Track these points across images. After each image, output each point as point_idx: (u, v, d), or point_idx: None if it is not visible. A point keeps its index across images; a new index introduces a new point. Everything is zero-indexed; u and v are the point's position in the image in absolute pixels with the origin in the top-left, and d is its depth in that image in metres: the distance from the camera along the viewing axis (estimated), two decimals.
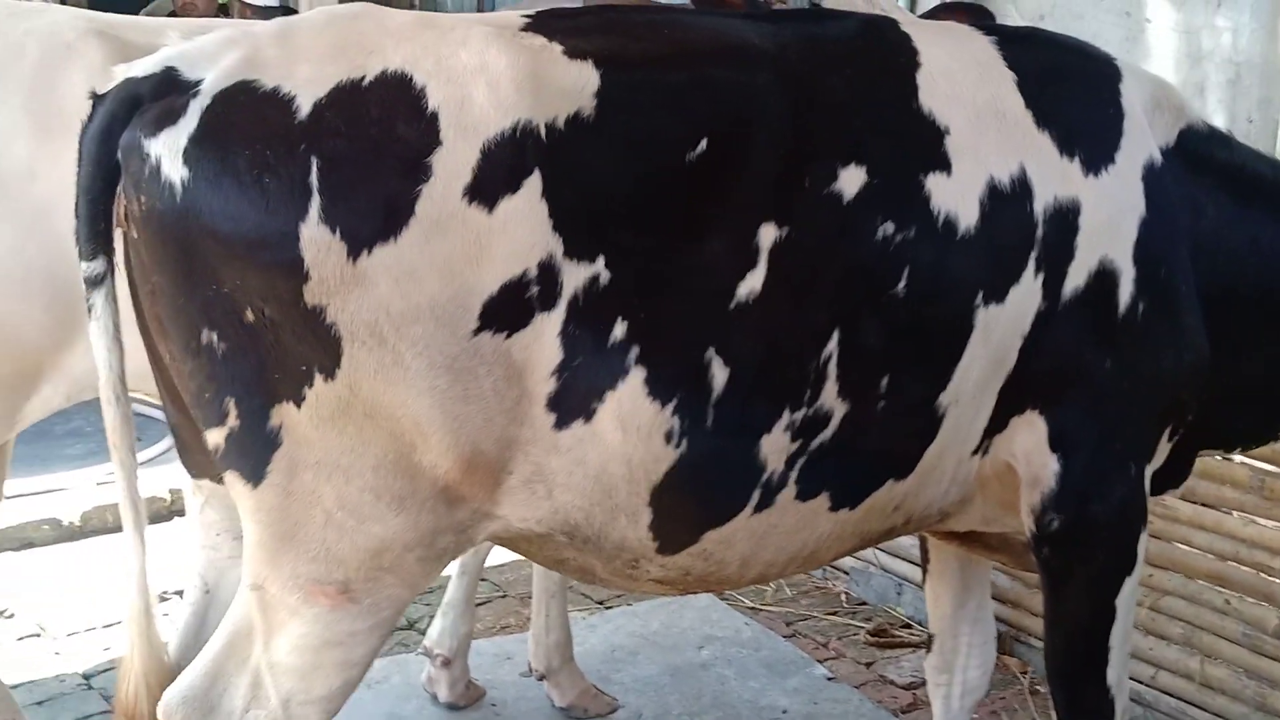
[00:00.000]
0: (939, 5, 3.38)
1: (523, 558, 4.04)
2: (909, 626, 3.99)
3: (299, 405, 1.74)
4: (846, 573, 4.30)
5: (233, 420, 1.76)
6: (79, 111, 1.82)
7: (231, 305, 1.70)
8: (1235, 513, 3.30)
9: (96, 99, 1.77)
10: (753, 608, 4.14)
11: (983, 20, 2.93)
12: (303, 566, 1.81)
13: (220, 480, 1.86)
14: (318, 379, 1.72)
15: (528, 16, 1.94)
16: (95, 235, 1.75)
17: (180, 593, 3.43)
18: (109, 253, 1.76)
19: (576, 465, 1.86)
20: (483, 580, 4.15)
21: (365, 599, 1.85)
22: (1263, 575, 3.22)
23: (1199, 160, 2.34)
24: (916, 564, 3.99)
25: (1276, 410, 2.55)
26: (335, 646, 1.86)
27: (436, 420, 1.76)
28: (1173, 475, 2.57)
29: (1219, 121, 2.58)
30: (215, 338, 1.72)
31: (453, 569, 3.48)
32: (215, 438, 1.79)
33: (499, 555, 4.06)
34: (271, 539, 1.82)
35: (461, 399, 1.77)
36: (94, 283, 1.76)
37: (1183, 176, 2.30)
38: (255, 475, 1.78)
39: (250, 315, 1.70)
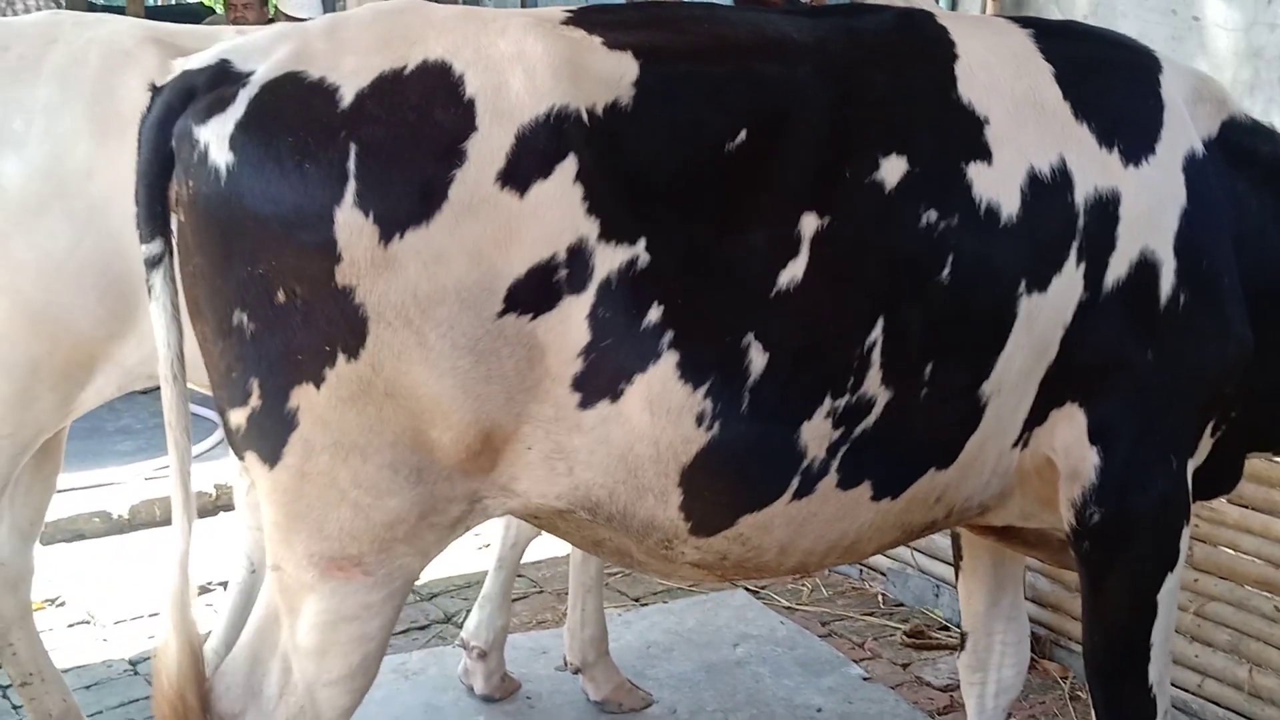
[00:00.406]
0: None
1: (559, 554, 4.11)
2: (946, 628, 3.95)
3: (319, 386, 1.77)
4: (884, 574, 4.28)
5: (254, 400, 1.80)
6: (135, 115, 1.89)
7: (264, 286, 1.75)
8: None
9: (155, 91, 1.84)
10: (789, 607, 4.13)
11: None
12: (316, 545, 1.85)
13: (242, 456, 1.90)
14: (340, 359, 1.76)
15: (569, 11, 1.98)
16: (153, 218, 1.81)
17: (224, 584, 3.50)
18: (166, 236, 1.82)
19: (600, 444, 1.88)
20: (520, 576, 4.18)
21: (379, 570, 1.88)
22: None
23: (1242, 153, 2.32)
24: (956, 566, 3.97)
25: None
26: (351, 621, 1.89)
27: (458, 399, 1.79)
28: (1224, 478, 2.54)
29: (1271, 120, 2.54)
30: (246, 318, 1.76)
31: (490, 563, 3.50)
32: (237, 418, 1.83)
33: (536, 551, 4.10)
34: (285, 519, 1.85)
35: (484, 379, 1.80)
36: (153, 263, 1.82)
37: (1225, 169, 2.28)
38: (272, 456, 1.82)
39: (282, 296, 1.74)
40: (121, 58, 2.64)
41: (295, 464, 1.81)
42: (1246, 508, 3.27)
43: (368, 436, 1.80)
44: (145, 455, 5.18)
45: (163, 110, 1.81)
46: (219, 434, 4.82)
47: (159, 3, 13.72)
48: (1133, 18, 6.31)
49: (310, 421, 1.79)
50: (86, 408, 2.72)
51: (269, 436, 1.81)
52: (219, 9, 7.49)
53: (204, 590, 4.00)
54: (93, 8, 8.51)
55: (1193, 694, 3.32)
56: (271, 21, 7.13)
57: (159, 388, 1.94)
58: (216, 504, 4.83)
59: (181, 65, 1.85)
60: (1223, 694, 3.27)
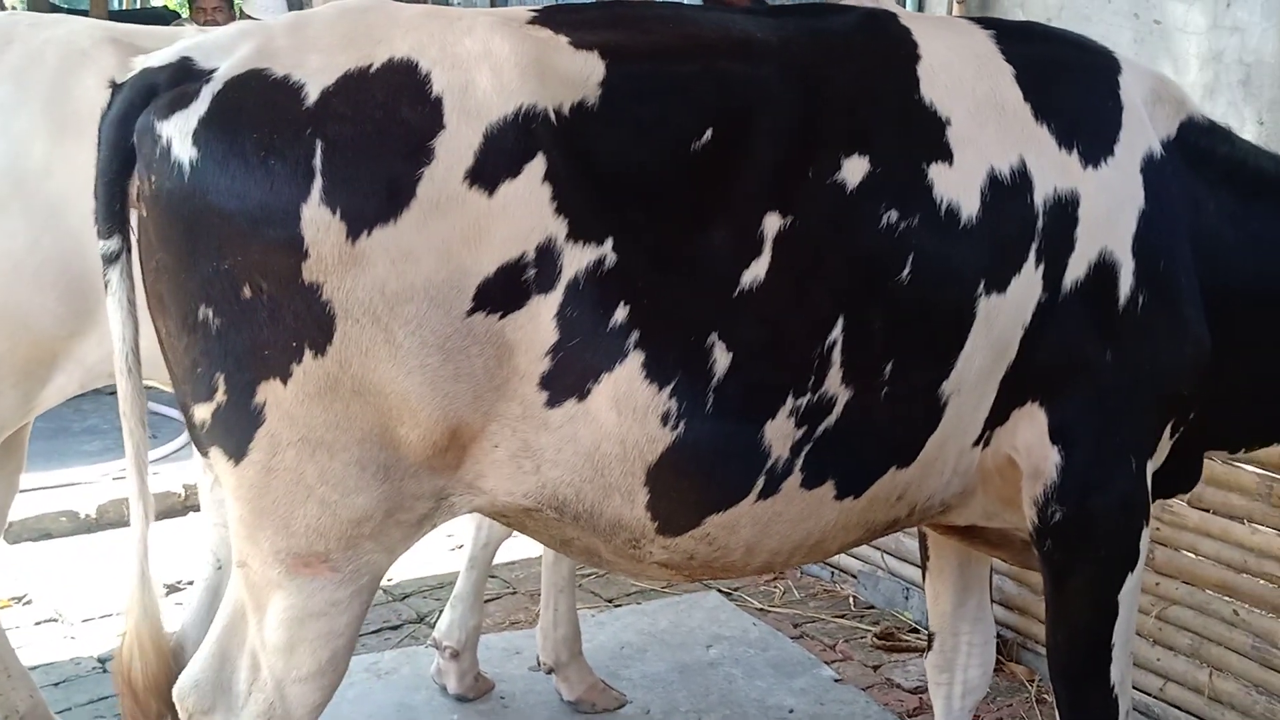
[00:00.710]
0: None
1: (532, 555, 4.12)
2: (916, 630, 4.00)
3: (285, 382, 1.77)
4: (854, 576, 4.32)
5: (220, 396, 1.79)
6: (93, 114, 1.88)
7: (230, 281, 1.74)
8: (1244, 520, 3.30)
9: (115, 88, 1.83)
10: (761, 609, 4.16)
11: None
12: (283, 541, 1.84)
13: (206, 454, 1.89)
14: (307, 355, 1.76)
15: (534, 11, 1.99)
16: (112, 215, 1.81)
17: (193, 583, 3.49)
18: (125, 232, 1.82)
19: (567, 442, 1.89)
20: (493, 577, 4.19)
21: (346, 566, 1.88)
22: (1272, 585, 3.21)
23: (1200, 154, 2.35)
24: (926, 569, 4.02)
25: None
26: (318, 617, 1.89)
27: (426, 397, 1.80)
28: (1183, 477, 2.58)
29: (1230, 123, 2.59)
30: (211, 313, 1.76)
31: (462, 563, 3.51)
32: (202, 413, 1.82)
33: (509, 552, 4.12)
34: (252, 515, 1.85)
35: (452, 377, 1.80)
36: (110, 259, 1.82)
37: (1183, 170, 2.31)
38: (238, 452, 1.81)
39: (248, 291, 1.74)
40: (78, 57, 2.64)
41: (261, 459, 1.81)
42: (1207, 511, 3.32)
43: (335, 433, 1.80)
44: (112, 455, 5.15)
45: (123, 107, 1.80)
46: (186, 434, 4.80)
47: (123, 6, 13.58)
48: (1096, 21, 6.39)
49: (277, 417, 1.79)
50: (48, 405, 2.72)
51: (234, 432, 1.81)
52: (184, 13, 7.43)
53: (173, 589, 3.98)
54: (55, 10, 8.44)
55: (1155, 698, 3.37)
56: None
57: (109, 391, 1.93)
58: (185, 504, 4.82)
59: (142, 62, 1.84)
60: (1184, 698, 3.32)
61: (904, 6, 7.02)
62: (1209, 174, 2.35)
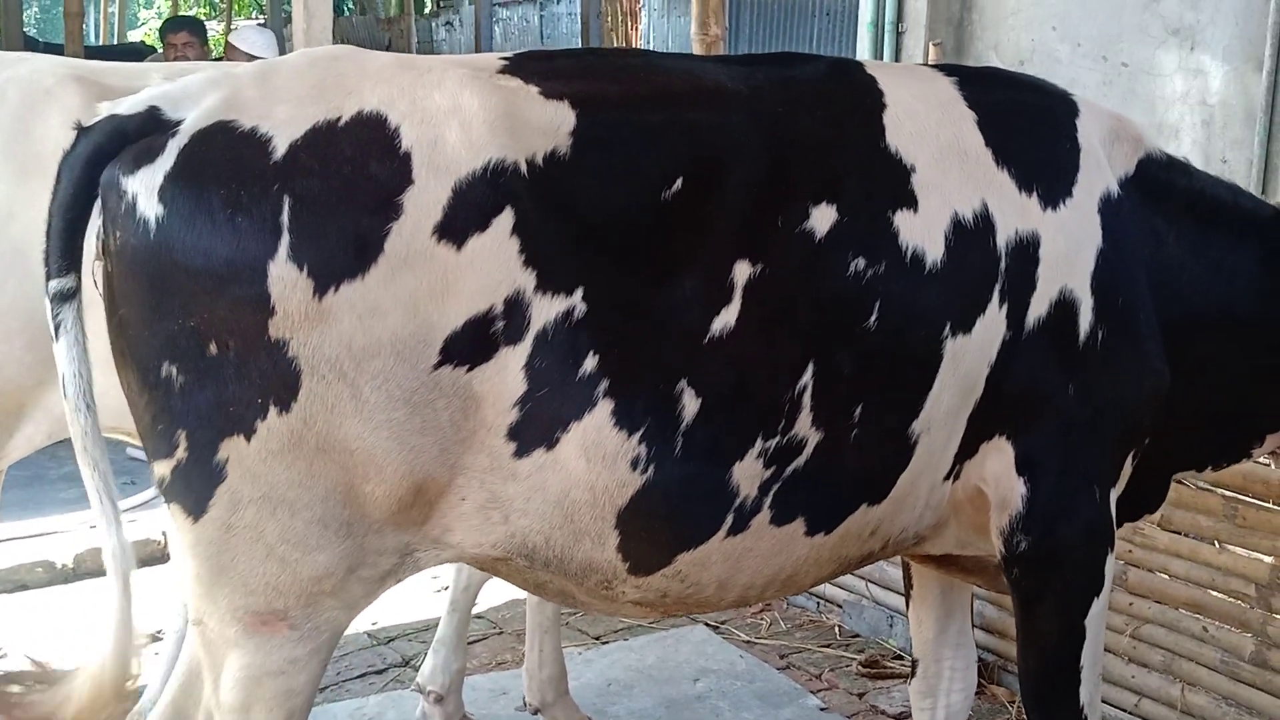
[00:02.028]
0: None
1: (518, 595, 4.15)
2: (900, 657, 4.04)
3: (249, 439, 1.76)
4: (840, 606, 4.37)
5: (181, 453, 1.78)
6: (56, 155, 1.83)
7: (195, 339, 1.73)
8: (1211, 541, 3.38)
9: (81, 130, 1.80)
10: (748, 641, 4.20)
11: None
12: (240, 599, 1.83)
13: None
14: (272, 412, 1.75)
15: (505, 59, 2.00)
16: (71, 252, 1.77)
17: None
18: (79, 271, 1.78)
19: (535, 491, 1.89)
20: (479, 617, 4.22)
21: (305, 624, 1.86)
22: (1238, 602, 3.29)
23: (1159, 188, 2.41)
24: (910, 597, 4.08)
25: (1247, 430, 2.62)
26: (275, 676, 1.87)
27: (392, 451, 1.79)
28: (1149, 499, 2.63)
29: (1194, 161, 2.68)
30: (175, 370, 1.75)
31: (443, 607, 3.53)
32: (161, 470, 1.81)
33: (495, 593, 4.15)
34: (209, 573, 1.83)
35: (418, 431, 1.80)
36: (65, 298, 1.77)
37: (1142, 205, 2.36)
38: (197, 509, 1.79)
39: (213, 348, 1.73)
40: (41, 96, 2.57)
41: (221, 517, 1.79)
42: (1177, 533, 3.40)
43: (297, 491, 1.79)
44: (89, 504, 5.06)
45: (91, 150, 1.77)
46: None
47: (100, 41, 13.62)
48: (1067, 63, 6.59)
49: (239, 474, 1.77)
50: (16, 456, 2.67)
51: (194, 489, 1.79)
52: (160, 48, 7.48)
53: (155, 639, 3.98)
54: (32, 46, 8.41)
55: (1130, 713, 3.43)
56: (219, 59, 7.15)
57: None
58: (165, 551, 4.73)
59: (109, 109, 1.82)
60: (1157, 713, 3.38)
61: (883, 49, 7.22)
62: (1168, 207, 2.41)
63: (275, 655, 1.86)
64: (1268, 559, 3.29)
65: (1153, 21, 6.26)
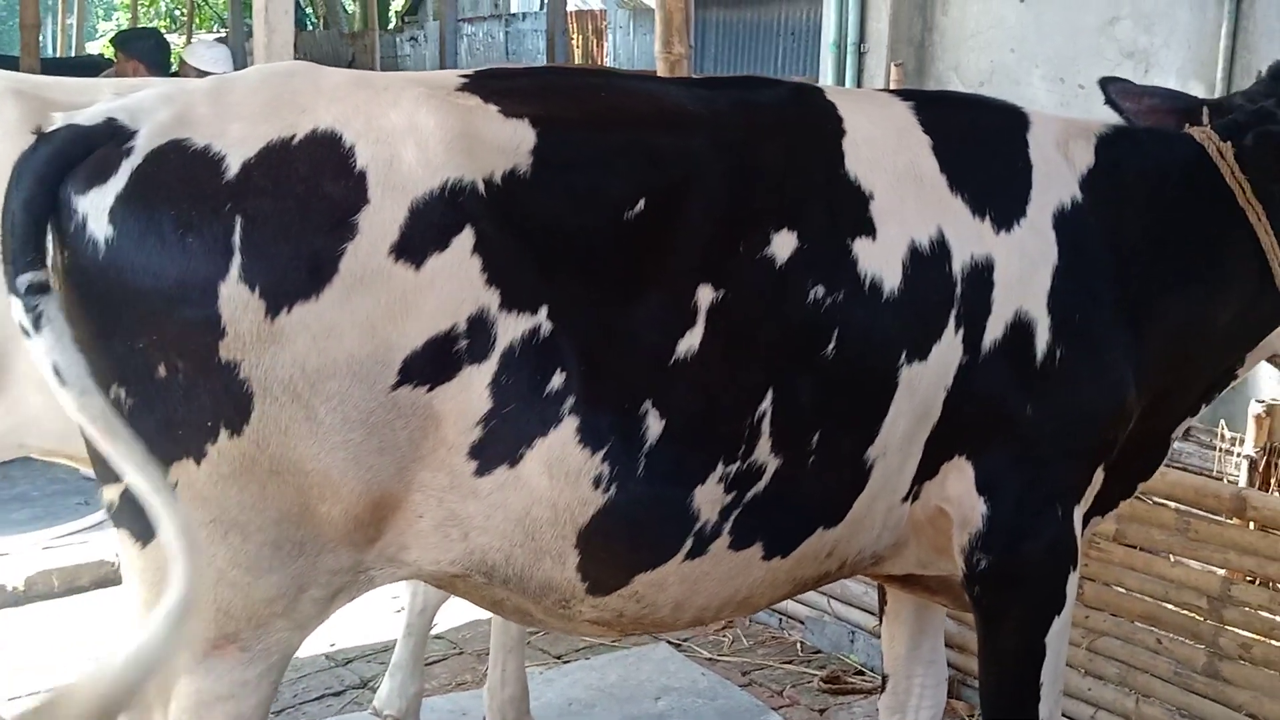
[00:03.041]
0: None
1: (480, 616, 4.13)
2: (861, 673, 4.06)
3: (199, 462, 1.74)
4: (802, 622, 4.39)
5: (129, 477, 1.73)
6: None
7: (144, 360, 1.71)
8: (1164, 554, 3.43)
9: (41, 135, 1.76)
10: (710, 658, 4.20)
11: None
12: (190, 625, 1.76)
13: None
14: (223, 435, 1.73)
15: (464, 76, 1.98)
16: (38, 247, 1.71)
17: None
18: (47, 266, 1.72)
19: (496, 509, 1.88)
20: (438, 638, 4.20)
21: (255, 645, 1.84)
22: (1191, 614, 3.34)
23: (1115, 167, 2.40)
24: (869, 612, 4.10)
25: (1230, 365, 2.61)
26: (226, 700, 1.84)
27: (348, 473, 1.77)
28: (1147, 467, 2.62)
29: None
30: (124, 393, 1.72)
31: (399, 629, 3.49)
32: (110, 494, 1.79)
33: (455, 614, 4.12)
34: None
35: (375, 451, 1.78)
36: (39, 289, 1.69)
37: (1106, 196, 2.35)
38: (145, 535, 1.76)
39: (163, 370, 1.71)
40: None
41: None
42: (1131, 546, 3.45)
43: (249, 514, 1.76)
44: (42, 523, 4.98)
45: (51, 154, 1.73)
46: None
47: (58, 54, 13.46)
48: (1024, 85, 6.69)
49: (189, 498, 1.74)
50: None
51: (143, 514, 1.73)
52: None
53: None
54: None
55: None
56: (175, 74, 7.07)
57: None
58: (120, 573, 4.67)
59: (66, 118, 1.78)
60: None
61: (846, 70, 7.30)
62: (1125, 181, 2.40)
63: (225, 679, 1.83)
64: (1219, 571, 3.34)
65: (1108, 45, 6.38)
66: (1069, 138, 2.40)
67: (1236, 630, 3.27)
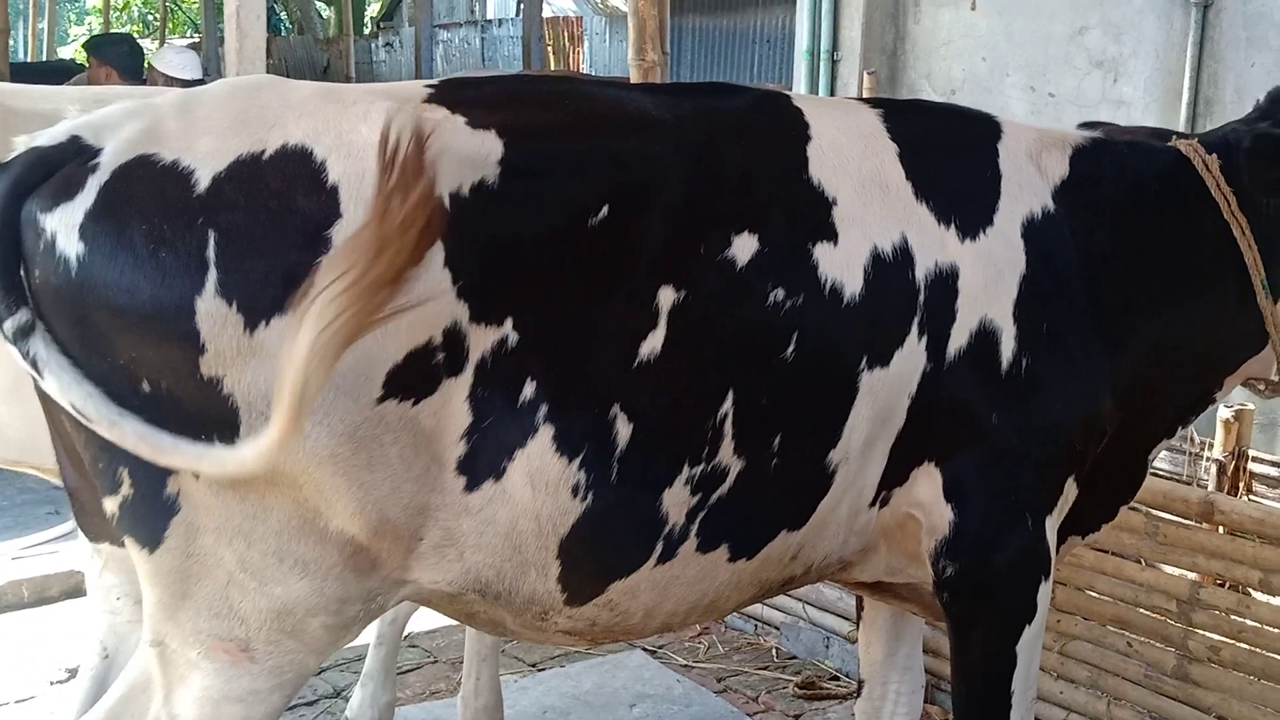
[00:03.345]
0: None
1: (453, 623, 4.11)
2: (836, 678, 4.08)
3: (196, 475, 1.74)
4: (777, 628, 4.39)
5: (126, 489, 1.76)
6: None
7: (127, 377, 1.70)
8: (1134, 558, 3.47)
9: (1, 165, 1.76)
10: (685, 665, 4.20)
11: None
12: (204, 622, 1.82)
13: (120, 544, 1.86)
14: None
15: (431, 87, 1.98)
16: (12, 287, 1.70)
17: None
18: (27, 303, 1.71)
19: (487, 525, 1.89)
20: (413, 646, 4.19)
21: (267, 660, 1.85)
22: (1161, 617, 3.38)
23: (1092, 180, 2.39)
24: (844, 617, 4.12)
25: (1209, 387, 2.61)
26: (235, 702, 1.85)
27: (340, 487, 1.78)
28: (1126, 489, 2.62)
29: None
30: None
31: (370, 638, 3.47)
32: (110, 505, 1.79)
33: (429, 622, 4.10)
34: (171, 598, 1.81)
35: (366, 466, 1.79)
36: (26, 332, 1.69)
37: (1081, 208, 2.34)
38: (152, 541, 1.78)
39: (146, 387, 1.71)
40: None
41: (179, 545, 1.78)
42: (1102, 551, 3.48)
43: (252, 523, 1.77)
44: (11, 534, 4.94)
45: (11, 184, 1.72)
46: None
47: (29, 58, 13.31)
48: (995, 93, 6.75)
49: (191, 506, 1.76)
50: None
51: (147, 522, 1.77)
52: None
53: (74, 675, 3.88)
54: None
55: None
56: (144, 82, 7.00)
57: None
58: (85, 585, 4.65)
59: (27, 141, 1.78)
60: None
61: (819, 78, 7.34)
62: (1104, 194, 2.40)
63: (237, 684, 1.85)
64: (1188, 575, 3.38)
65: (1078, 53, 6.45)
66: (1043, 148, 2.40)
67: (1205, 633, 3.31)
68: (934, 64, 7.09)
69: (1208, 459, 3.97)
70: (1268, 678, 3.18)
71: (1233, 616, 3.29)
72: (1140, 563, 3.43)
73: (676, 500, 2.02)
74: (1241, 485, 4.47)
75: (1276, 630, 3.21)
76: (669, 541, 2.04)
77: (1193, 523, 3.36)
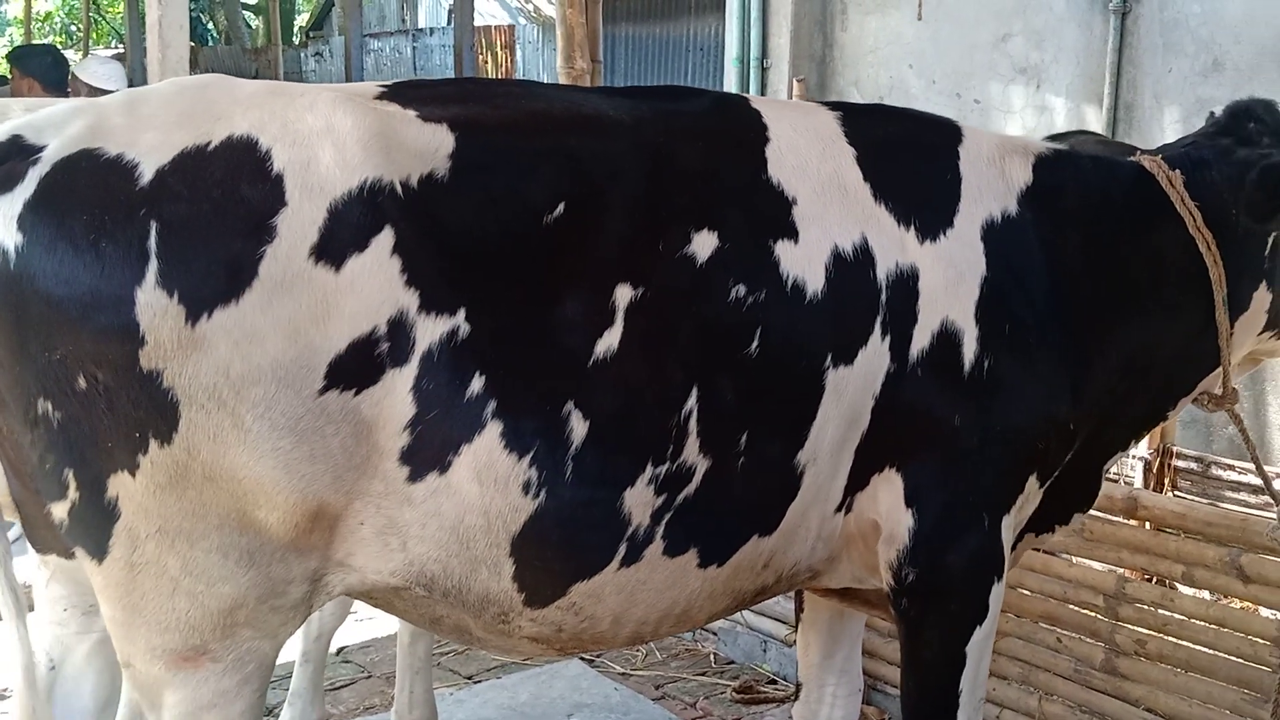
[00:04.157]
0: None
1: (387, 637, 4.05)
2: (774, 682, 4.09)
3: (134, 474, 1.72)
4: (715, 633, 4.39)
5: (73, 493, 1.74)
6: None
7: (64, 372, 1.68)
8: (1062, 555, 3.52)
9: None
10: (623, 673, 4.18)
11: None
12: (157, 638, 1.80)
13: (67, 555, 1.84)
14: (153, 445, 1.71)
15: (384, 86, 1.98)
16: None
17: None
18: None
19: (431, 517, 1.87)
20: (346, 661, 4.12)
21: (227, 656, 1.84)
22: (1089, 613, 3.43)
23: (1055, 189, 2.39)
24: (782, 621, 4.13)
25: (1165, 402, 2.63)
26: (210, 709, 1.85)
27: (280, 481, 1.76)
28: (1083, 498, 2.63)
29: None
30: (50, 407, 1.69)
31: (296, 656, 3.40)
32: (59, 512, 1.76)
33: (364, 635, 4.04)
34: (124, 614, 1.80)
35: (307, 459, 1.77)
36: None
37: (1042, 215, 2.34)
38: (99, 551, 1.76)
39: (83, 382, 1.68)
40: None
41: (123, 556, 1.76)
42: (1034, 549, 3.52)
43: (192, 521, 1.75)
44: None
45: None
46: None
47: None
48: (922, 100, 6.84)
49: (131, 510, 1.73)
50: None
51: (93, 530, 1.75)
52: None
53: (2, 697, 3.77)
54: None
55: None
56: (68, 94, 6.85)
57: None
58: (32, 601, 4.52)
59: None
60: None
61: (749, 84, 7.39)
62: (1066, 205, 2.39)
63: (205, 689, 1.84)
64: (1115, 570, 3.44)
65: (1001, 60, 6.57)
66: (1005, 154, 2.41)
67: (1132, 627, 3.37)
68: (862, 71, 7.18)
69: (1134, 456, 4.05)
70: (1192, 669, 3.25)
71: (1159, 610, 3.35)
72: (1068, 559, 3.48)
73: (639, 500, 1.99)
74: (1167, 481, 4.58)
75: (1200, 623, 3.28)
76: (633, 543, 2.01)
77: (1118, 519, 3.42)
